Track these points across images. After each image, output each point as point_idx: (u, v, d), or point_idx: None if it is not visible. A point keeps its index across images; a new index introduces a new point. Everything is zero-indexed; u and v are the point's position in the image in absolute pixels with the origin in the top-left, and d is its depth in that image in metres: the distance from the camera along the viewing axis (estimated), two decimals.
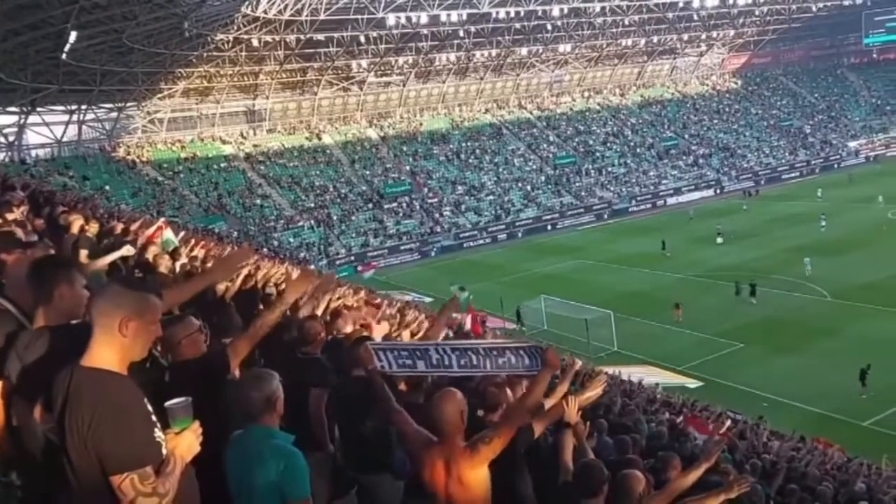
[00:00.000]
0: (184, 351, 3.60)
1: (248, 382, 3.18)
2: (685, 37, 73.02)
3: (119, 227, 9.11)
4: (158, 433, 2.34)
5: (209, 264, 8.70)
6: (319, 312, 7.26)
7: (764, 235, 41.10)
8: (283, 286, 8.31)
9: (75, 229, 7.25)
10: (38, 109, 44.70)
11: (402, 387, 5.29)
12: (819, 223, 41.15)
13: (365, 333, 6.25)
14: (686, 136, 68.74)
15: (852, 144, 69.16)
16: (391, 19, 50.92)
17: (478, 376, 4.12)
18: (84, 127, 49.47)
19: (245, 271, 7.73)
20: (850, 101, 77.26)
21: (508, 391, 4.37)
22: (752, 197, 56.58)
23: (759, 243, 39.04)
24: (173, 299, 3.41)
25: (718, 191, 61.07)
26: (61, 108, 46.56)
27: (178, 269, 7.59)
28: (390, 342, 4.40)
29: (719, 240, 41.32)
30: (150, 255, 6.96)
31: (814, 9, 71.31)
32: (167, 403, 2.43)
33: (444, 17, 52.43)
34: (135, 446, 2.24)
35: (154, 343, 4.62)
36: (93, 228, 7.12)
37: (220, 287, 6.45)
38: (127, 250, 6.45)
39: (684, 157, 65.46)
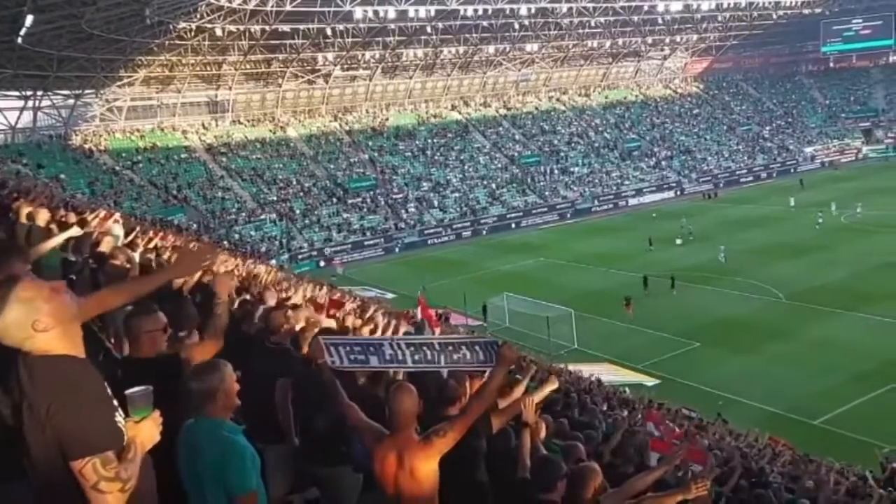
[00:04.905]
0: (142, 345, 3.53)
1: (191, 374, 3.13)
2: (649, 40, 74.00)
3: (73, 218, 8.86)
4: (119, 418, 2.30)
5: (167, 255, 8.52)
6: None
7: (721, 237, 41.86)
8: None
9: (24, 218, 7.02)
10: None
11: (363, 380, 5.27)
12: (816, 220, 43.12)
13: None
14: (648, 139, 69.73)
15: (808, 150, 71.03)
16: (358, 13, 50.52)
17: (435, 371, 4.12)
18: (39, 114, 48.13)
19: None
20: (807, 108, 79.34)
21: (468, 385, 4.37)
22: (710, 199, 57.77)
23: (716, 245, 39.78)
24: (133, 291, 3.34)
25: (679, 192, 62.12)
26: (16, 93, 45.23)
27: (135, 259, 7.42)
28: (342, 336, 4.33)
29: (678, 241, 42.10)
30: (104, 247, 6.78)
31: (774, 17, 72.98)
32: (127, 392, 2.39)
33: (411, 13, 52.23)
34: (95, 430, 2.19)
35: (107, 336, 4.50)
36: (42, 217, 6.89)
37: (178, 280, 6.33)
38: (75, 230, 6.29)
39: (646, 159, 66.41)
